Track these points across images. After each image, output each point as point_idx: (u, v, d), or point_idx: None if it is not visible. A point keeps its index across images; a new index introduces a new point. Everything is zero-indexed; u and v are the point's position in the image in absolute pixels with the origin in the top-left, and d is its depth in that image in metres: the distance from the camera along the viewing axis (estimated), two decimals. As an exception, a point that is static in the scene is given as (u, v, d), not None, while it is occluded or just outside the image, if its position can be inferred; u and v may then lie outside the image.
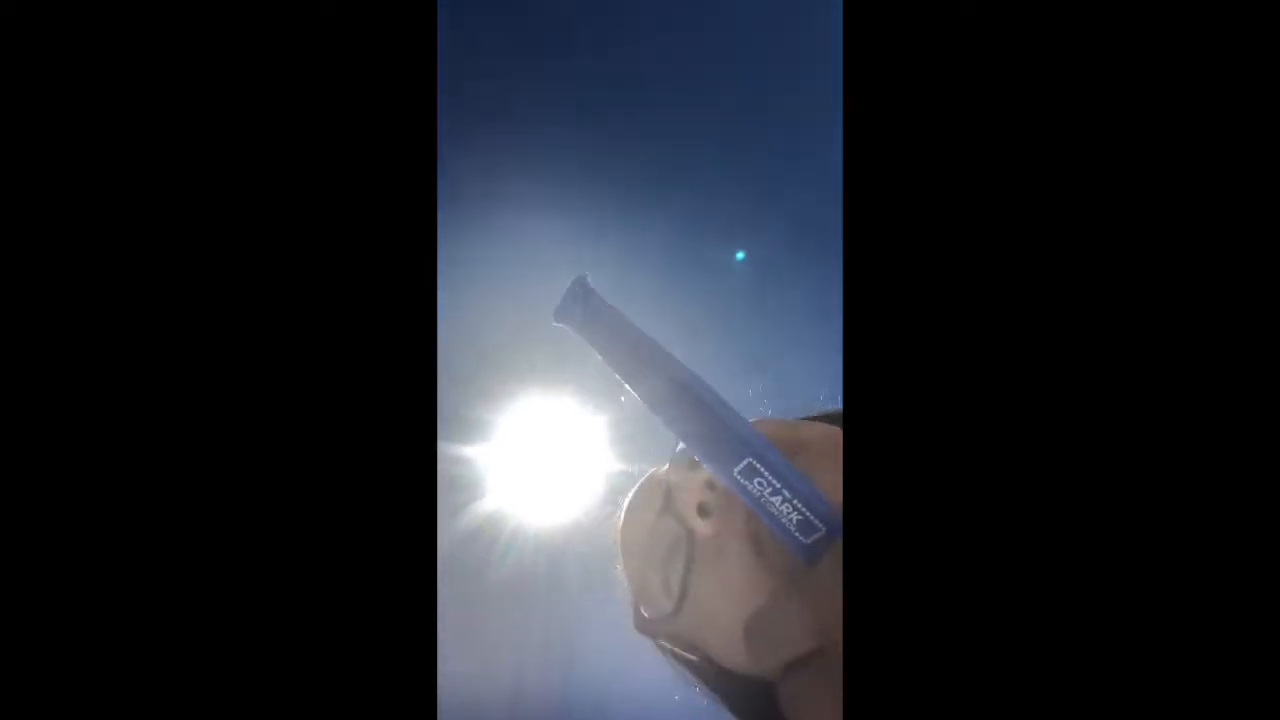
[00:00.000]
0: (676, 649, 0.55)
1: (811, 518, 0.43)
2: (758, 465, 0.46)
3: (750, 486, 0.46)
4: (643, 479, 0.61)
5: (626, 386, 0.50)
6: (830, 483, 0.46)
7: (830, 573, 0.41)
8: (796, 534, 0.43)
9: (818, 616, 0.45)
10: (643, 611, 0.53)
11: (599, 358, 0.50)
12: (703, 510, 0.50)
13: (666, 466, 0.58)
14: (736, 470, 0.47)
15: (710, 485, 0.50)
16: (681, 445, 0.59)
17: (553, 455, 2.31)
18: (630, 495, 0.61)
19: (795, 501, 0.44)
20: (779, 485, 0.45)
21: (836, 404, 0.60)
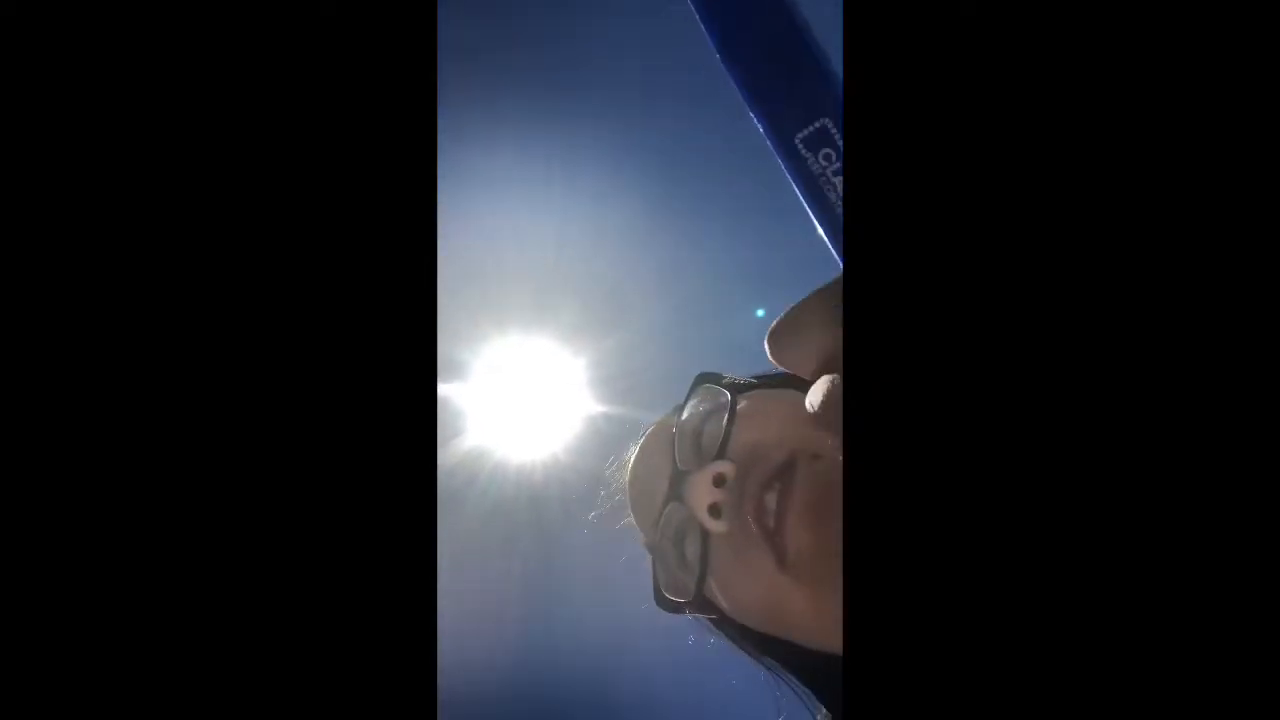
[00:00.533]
0: (709, 618, 0.54)
1: None
2: (833, 131, 0.35)
3: (811, 161, 0.36)
4: (646, 435, 0.59)
5: None
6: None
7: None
8: None
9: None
10: (665, 593, 0.52)
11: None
12: (714, 511, 0.47)
13: (669, 419, 0.56)
14: (800, 136, 0.36)
15: (719, 481, 0.48)
16: (689, 403, 0.56)
17: (531, 395, 2.33)
18: (634, 455, 0.59)
19: None
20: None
21: None
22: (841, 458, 0.42)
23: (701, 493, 0.47)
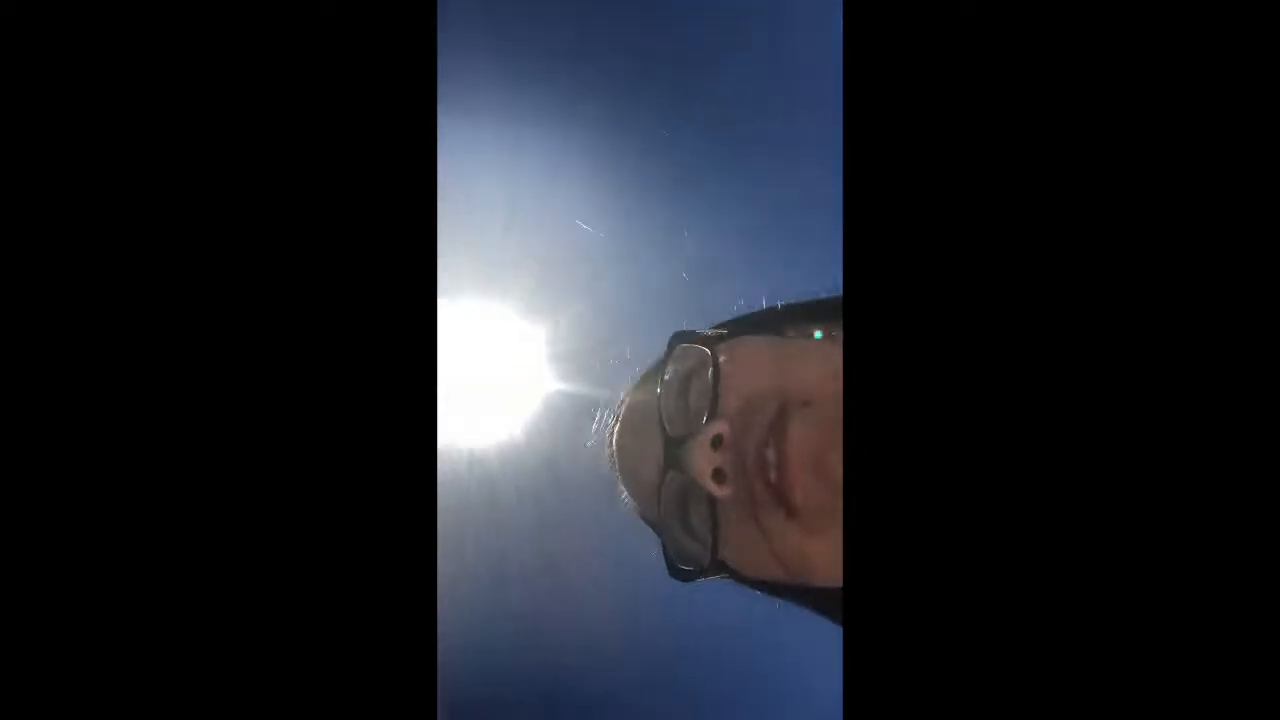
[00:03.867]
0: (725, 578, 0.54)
1: None
2: None
3: None
4: (625, 404, 0.59)
5: None
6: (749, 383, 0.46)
7: None
8: None
9: None
10: (677, 564, 0.51)
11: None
12: (718, 475, 0.47)
13: (647, 384, 0.56)
14: None
15: (717, 443, 0.47)
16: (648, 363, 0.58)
17: (486, 373, 2.29)
18: (617, 427, 0.58)
19: None
20: None
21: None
22: (828, 395, 0.44)
23: (702, 458, 0.46)
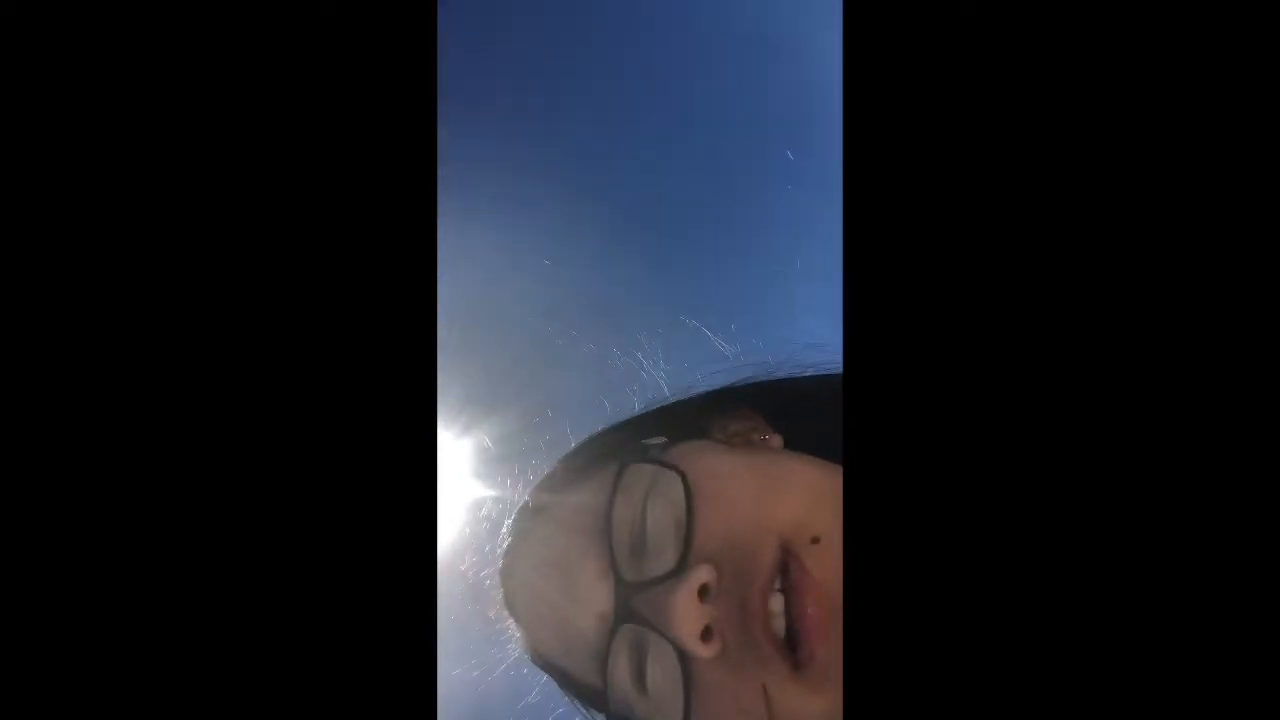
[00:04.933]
0: None
1: None
2: None
3: None
4: (545, 524, 0.46)
5: None
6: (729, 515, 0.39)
7: None
8: None
9: None
10: None
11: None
12: (707, 634, 0.37)
13: (577, 500, 0.45)
14: None
15: (705, 592, 0.37)
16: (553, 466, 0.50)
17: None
18: (530, 552, 0.46)
19: None
20: None
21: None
22: (840, 526, 0.35)
23: (687, 612, 0.36)
